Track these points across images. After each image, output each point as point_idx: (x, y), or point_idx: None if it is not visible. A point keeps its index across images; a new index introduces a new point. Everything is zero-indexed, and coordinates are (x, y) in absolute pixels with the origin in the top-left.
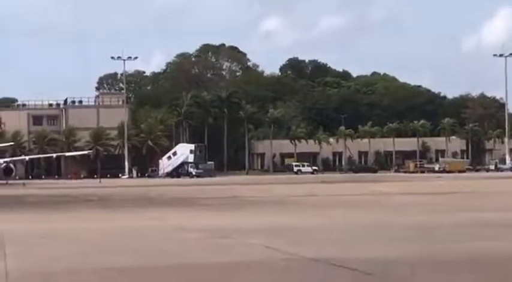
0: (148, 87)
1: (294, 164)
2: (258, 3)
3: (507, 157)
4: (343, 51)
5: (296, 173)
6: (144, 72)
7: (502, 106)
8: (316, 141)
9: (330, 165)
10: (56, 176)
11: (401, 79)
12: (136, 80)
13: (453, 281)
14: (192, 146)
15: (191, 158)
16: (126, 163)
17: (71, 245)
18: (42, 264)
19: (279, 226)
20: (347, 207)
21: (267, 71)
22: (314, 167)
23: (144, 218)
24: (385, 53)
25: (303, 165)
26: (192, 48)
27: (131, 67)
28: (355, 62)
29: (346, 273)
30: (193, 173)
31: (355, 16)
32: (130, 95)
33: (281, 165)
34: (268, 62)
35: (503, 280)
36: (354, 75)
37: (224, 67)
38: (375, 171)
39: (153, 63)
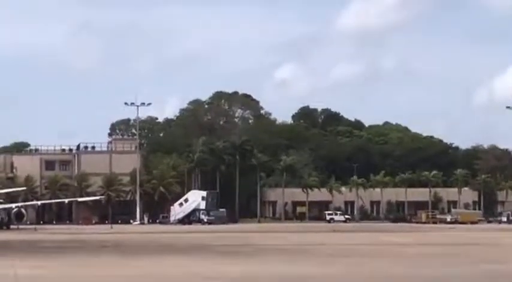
0: (161, 134)
1: (327, 212)
2: (272, 52)
3: None
4: (356, 100)
5: (329, 221)
6: (156, 118)
7: None
8: (328, 190)
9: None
10: (68, 221)
11: (413, 129)
12: (149, 126)
13: None
14: (204, 193)
15: (203, 205)
16: (138, 209)
17: None
18: None
19: (290, 274)
20: (360, 256)
21: (280, 119)
22: (347, 216)
23: (163, 265)
24: (397, 103)
25: (336, 214)
26: (205, 95)
27: (144, 113)
28: (368, 111)
29: None
30: (205, 220)
31: (368, 65)
32: (143, 141)
33: (292, 213)
34: (281, 110)
35: None
36: (366, 124)
37: (237, 115)
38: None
39: (167, 109)
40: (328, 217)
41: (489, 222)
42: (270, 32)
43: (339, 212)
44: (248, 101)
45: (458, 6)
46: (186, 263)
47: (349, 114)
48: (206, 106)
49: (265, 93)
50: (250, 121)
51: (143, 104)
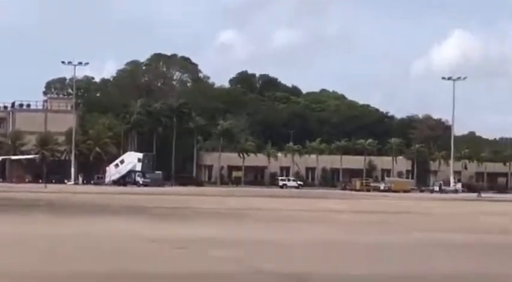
0: (98, 94)
1: (280, 178)
2: (213, 16)
3: (451, 179)
4: (294, 66)
5: (281, 187)
6: (93, 78)
7: (448, 128)
8: (265, 155)
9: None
10: (0, 180)
11: (350, 97)
12: (85, 85)
13: None
14: (140, 155)
15: (139, 167)
16: (73, 169)
17: (26, 252)
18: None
19: (237, 239)
20: (299, 222)
21: (218, 84)
22: (299, 182)
23: (97, 225)
24: (335, 71)
25: (289, 180)
26: (144, 56)
27: (81, 73)
28: (305, 78)
29: None
30: (141, 182)
31: (308, 32)
32: (79, 101)
33: (228, 177)
34: (220, 74)
35: None
36: (304, 91)
37: (175, 77)
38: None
39: (104, 70)
40: (280, 183)
41: (421, 191)
42: None
43: (291, 178)
44: (187, 64)
45: None
46: (123, 224)
47: (287, 81)
48: (144, 67)
49: (204, 57)
50: (188, 84)
51: (80, 63)
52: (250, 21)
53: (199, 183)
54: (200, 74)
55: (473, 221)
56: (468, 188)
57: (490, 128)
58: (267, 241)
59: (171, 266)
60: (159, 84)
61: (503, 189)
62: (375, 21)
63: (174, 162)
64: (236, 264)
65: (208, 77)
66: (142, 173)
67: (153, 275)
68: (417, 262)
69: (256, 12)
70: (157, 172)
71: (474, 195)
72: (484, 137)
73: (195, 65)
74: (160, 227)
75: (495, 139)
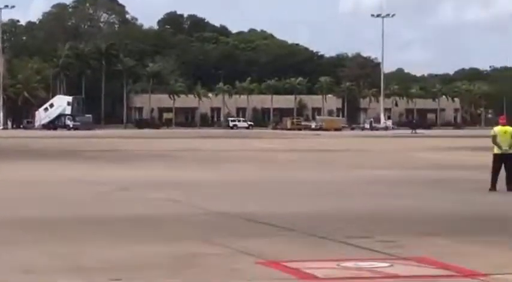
0: (24, 38)
1: (230, 118)
2: None
3: (382, 116)
4: (222, 6)
5: (232, 127)
6: (18, 21)
7: (377, 66)
8: (195, 96)
9: (207, 121)
10: None
11: (279, 37)
12: (11, 29)
13: (371, 229)
14: (69, 98)
15: (68, 110)
16: (1, 114)
17: None
18: None
19: (174, 180)
20: (236, 162)
21: (146, 25)
22: (250, 122)
23: (32, 169)
24: (264, 10)
25: (239, 121)
26: None
27: (6, 16)
28: (234, 18)
29: (270, 229)
30: (71, 126)
31: None
32: (5, 45)
33: (158, 119)
34: (148, 16)
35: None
36: (233, 31)
37: (102, 19)
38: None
39: (30, 13)
40: (231, 124)
41: (352, 129)
42: None
43: (242, 119)
44: (113, 6)
45: None
46: (58, 167)
47: (216, 21)
48: (70, 10)
49: None
50: (115, 26)
51: (6, 6)
52: None
53: (157, 126)
54: (128, 16)
55: (410, 157)
56: (412, 126)
57: (418, 65)
58: (207, 182)
59: (117, 209)
60: (85, 26)
61: (432, 125)
62: None
63: (103, 104)
64: (183, 206)
65: (136, 19)
66: (72, 117)
67: (100, 218)
68: (360, 199)
69: None
70: (87, 115)
71: (405, 131)
72: (412, 73)
73: (122, 6)
74: (97, 169)
75: (423, 75)
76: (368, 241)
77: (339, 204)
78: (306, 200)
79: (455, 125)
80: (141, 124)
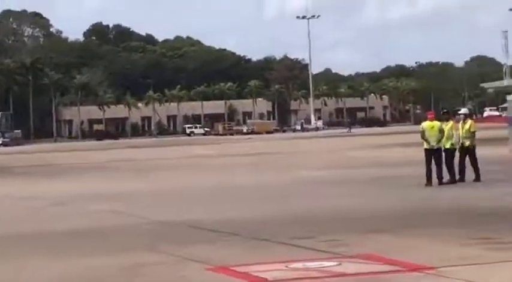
0: None
1: (187, 126)
2: None
3: (312, 117)
4: (147, 15)
5: (189, 135)
6: None
7: (305, 67)
8: (125, 106)
9: (138, 130)
10: None
11: (206, 43)
12: None
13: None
14: None
15: None
16: None
17: None
18: None
19: (113, 192)
20: (175, 170)
21: (72, 37)
22: (206, 129)
23: None
24: (189, 16)
25: (196, 127)
26: None
27: None
28: (159, 26)
29: (213, 234)
30: (0, 142)
31: None
32: None
33: (89, 131)
34: (73, 28)
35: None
36: (159, 39)
37: (26, 33)
38: None
39: None
40: (188, 131)
41: (284, 131)
42: None
43: (198, 125)
44: (37, 20)
45: None
46: None
47: (141, 30)
48: None
49: (57, 11)
50: (40, 40)
51: None
52: None
53: (115, 136)
54: (52, 29)
55: (345, 157)
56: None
57: (346, 64)
58: (146, 191)
59: (56, 223)
60: (10, 41)
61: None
62: None
63: (32, 119)
64: (125, 217)
65: (61, 31)
66: (2, 133)
67: (39, 233)
68: (300, 200)
69: None
70: (16, 131)
71: (337, 131)
72: (340, 73)
73: (47, 20)
74: (31, 185)
75: (351, 75)
76: (313, 241)
77: (280, 207)
78: (247, 204)
79: (381, 123)
80: (100, 136)
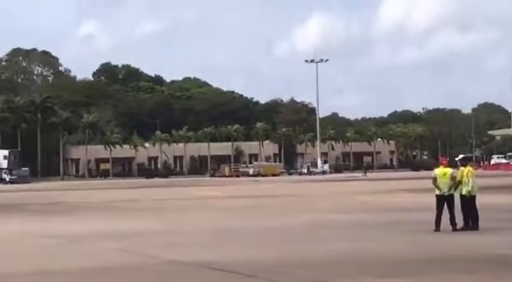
0: None
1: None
2: (73, 8)
3: (318, 161)
4: (157, 56)
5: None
6: None
7: (312, 110)
8: (132, 146)
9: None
10: None
11: (214, 84)
12: None
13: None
14: (6, 152)
15: (5, 164)
16: None
17: None
18: None
19: (123, 231)
20: (183, 211)
21: (80, 76)
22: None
23: None
24: (198, 58)
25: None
26: (2, 51)
27: None
28: (168, 67)
29: (230, 276)
30: (7, 180)
31: (169, 21)
32: None
33: (95, 170)
34: (83, 67)
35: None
36: (167, 80)
37: (36, 72)
38: None
39: None
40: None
41: (290, 174)
42: None
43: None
44: (47, 58)
45: None
46: (9, 221)
47: (150, 70)
48: (3, 63)
49: (66, 50)
50: (49, 79)
51: None
52: (110, 12)
53: (165, 175)
54: (61, 68)
55: (355, 201)
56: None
57: (352, 109)
58: (158, 231)
59: (75, 261)
60: (19, 79)
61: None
62: (235, 5)
63: (39, 157)
64: (139, 256)
65: (70, 70)
66: (9, 170)
67: (59, 271)
68: (313, 243)
69: (115, 3)
70: (23, 168)
71: (351, 175)
72: (347, 117)
73: (56, 59)
74: (44, 223)
75: (357, 119)
76: None
77: (292, 249)
78: (259, 246)
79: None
80: (149, 174)
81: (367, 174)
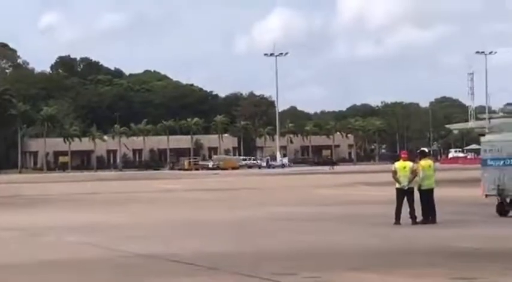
0: None
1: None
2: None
3: (278, 154)
4: (118, 49)
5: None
6: None
7: (271, 104)
8: (91, 139)
9: (104, 163)
10: None
11: (175, 78)
12: None
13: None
14: None
15: None
16: None
17: None
18: None
19: (85, 224)
20: (144, 203)
21: (39, 69)
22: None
23: None
24: (157, 50)
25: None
26: None
27: None
28: (128, 59)
29: (194, 269)
30: None
31: (131, 14)
32: None
33: (54, 163)
34: (42, 60)
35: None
36: (127, 73)
37: None
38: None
39: None
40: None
41: (249, 167)
42: None
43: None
44: (5, 51)
45: None
46: None
47: (109, 63)
48: None
49: (25, 42)
50: (7, 71)
51: None
52: (71, 4)
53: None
54: (19, 60)
55: (314, 194)
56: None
57: (312, 102)
58: (120, 224)
59: (37, 254)
60: None
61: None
62: (201, 1)
63: None
64: (102, 249)
65: (28, 63)
66: None
67: (21, 264)
68: (276, 236)
69: None
70: None
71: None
72: (306, 111)
73: (14, 51)
74: (3, 215)
75: (316, 113)
76: (297, 278)
77: (254, 242)
78: (221, 239)
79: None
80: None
81: (335, 168)
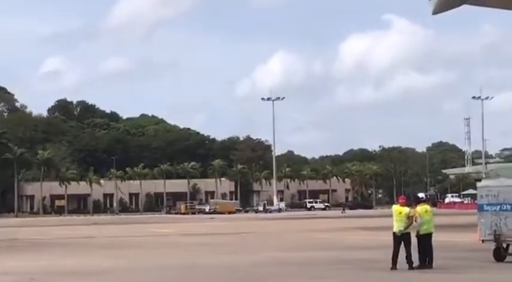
0: None
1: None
2: (33, 45)
3: (274, 198)
4: (116, 93)
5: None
6: None
7: (268, 148)
8: (87, 183)
9: (100, 207)
10: None
11: (172, 122)
12: None
13: None
14: None
15: None
16: None
17: None
18: None
19: (79, 268)
20: (139, 248)
21: (36, 112)
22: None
23: None
24: (155, 94)
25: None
26: None
27: None
28: (124, 103)
29: None
30: None
31: (133, 59)
32: None
33: (50, 207)
34: (40, 103)
35: None
36: (124, 116)
37: None
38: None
39: None
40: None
41: (246, 211)
42: (32, 25)
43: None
44: (2, 94)
45: (220, 2)
46: None
47: (106, 107)
48: None
49: (23, 86)
50: (4, 114)
51: None
52: (74, 49)
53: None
54: (17, 104)
55: (311, 238)
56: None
57: (309, 147)
58: (115, 269)
59: None
60: None
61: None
62: (198, 44)
63: None
64: None
65: (26, 106)
66: None
67: None
68: (273, 280)
69: (81, 41)
70: None
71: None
72: (303, 155)
73: (11, 95)
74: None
75: (314, 157)
76: None
77: None
78: None
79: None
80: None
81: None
